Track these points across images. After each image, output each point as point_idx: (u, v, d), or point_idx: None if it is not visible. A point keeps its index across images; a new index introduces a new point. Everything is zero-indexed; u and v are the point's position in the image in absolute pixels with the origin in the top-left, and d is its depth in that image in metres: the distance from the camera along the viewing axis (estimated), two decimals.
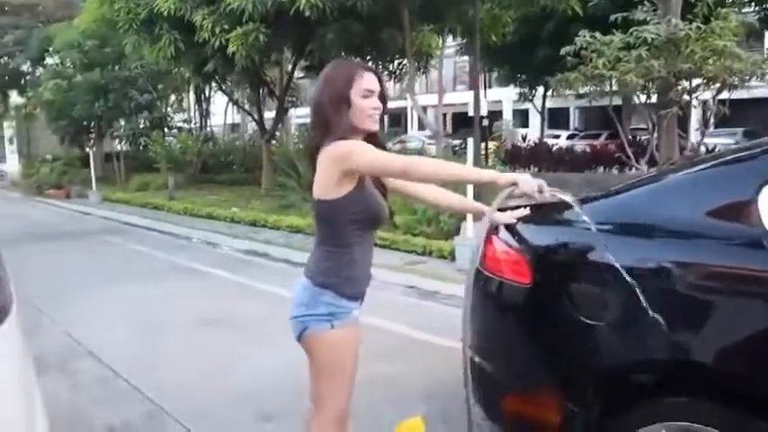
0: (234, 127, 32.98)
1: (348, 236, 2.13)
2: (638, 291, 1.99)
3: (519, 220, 2.41)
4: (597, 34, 7.68)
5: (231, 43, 10.83)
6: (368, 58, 12.84)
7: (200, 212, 12.52)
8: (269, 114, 18.56)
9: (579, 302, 2.19)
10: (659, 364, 2.02)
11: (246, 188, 16.04)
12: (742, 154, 2.31)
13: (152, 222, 12.09)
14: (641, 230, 2.16)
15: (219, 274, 7.46)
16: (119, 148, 21.30)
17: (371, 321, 4.86)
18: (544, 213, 2.47)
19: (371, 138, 2.16)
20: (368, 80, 2.12)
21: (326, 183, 2.08)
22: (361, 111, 2.10)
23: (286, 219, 10.41)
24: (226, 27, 11.03)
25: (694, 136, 19.09)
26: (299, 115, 24.91)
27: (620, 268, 2.05)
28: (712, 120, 8.33)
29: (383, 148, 2.17)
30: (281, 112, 16.51)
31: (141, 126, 19.35)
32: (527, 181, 2.00)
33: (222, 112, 26.25)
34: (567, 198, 2.11)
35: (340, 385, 2.19)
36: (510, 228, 2.45)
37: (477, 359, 2.50)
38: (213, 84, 18.46)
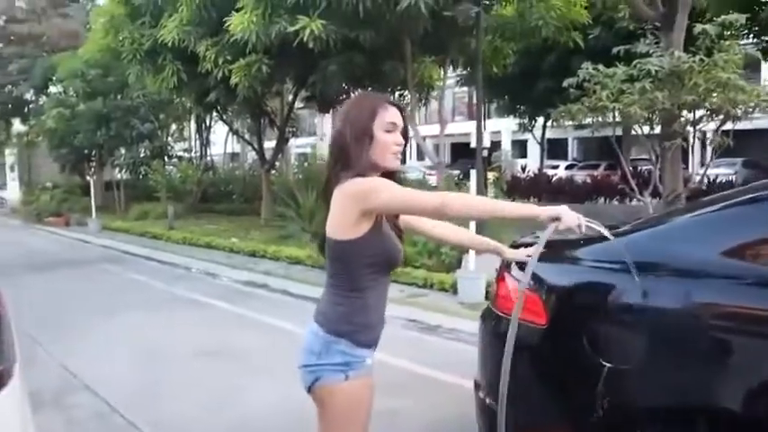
0: (234, 156, 33.05)
1: (362, 279, 1.97)
2: (650, 333, 1.92)
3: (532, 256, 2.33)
4: (600, 66, 7.69)
5: (234, 74, 10.87)
6: (369, 89, 12.88)
7: (199, 242, 12.43)
8: (269, 144, 18.58)
9: (598, 344, 2.10)
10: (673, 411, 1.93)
11: (246, 218, 15.98)
12: (757, 194, 2.23)
13: (151, 251, 12.00)
14: (655, 271, 2.08)
15: (219, 305, 7.35)
16: (119, 176, 21.30)
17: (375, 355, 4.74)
18: (558, 250, 2.41)
19: (391, 176, 2.01)
20: (392, 113, 1.99)
21: (343, 222, 1.93)
22: (384, 146, 1.97)
23: (285, 249, 10.33)
24: (229, 58, 11.07)
25: (695, 167, 19.17)
26: (299, 145, 24.99)
27: (637, 308, 1.98)
28: (712, 151, 8.30)
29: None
30: (282, 142, 16.53)
31: (142, 155, 19.37)
32: (569, 215, 1.83)
33: (222, 141, 26.31)
34: (606, 232, 1.97)
35: None
36: (523, 265, 2.37)
37: (489, 401, 2.41)
38: (214, 113, 18.52)
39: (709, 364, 1.91)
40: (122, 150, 19.77)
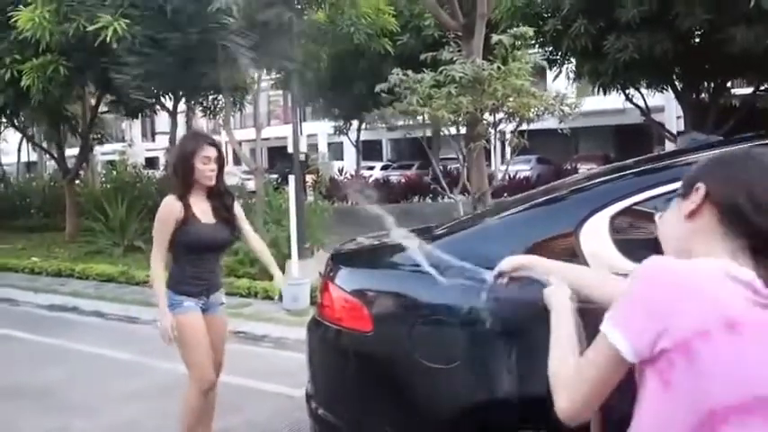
0: (30, 166, 30.02)
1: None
2: (475, 330, 2.04)
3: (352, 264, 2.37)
4: (409, 72, 8.04)
5: (25, 75, 9.85)
6: (180, 93, 12.37)
7: None
8: (72, 152, 17.13)
9: (421, 346, 2.17)
10: (499, 402, 2.06)
11: (48, 234, 14.55)
12: (558, 193, 2.45)
13: None
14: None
15: (18, 335, 6.59)
16: None
17: None
18: (378, 256, 2.47)
19: (211, 189, 3.21)
20: (207, 150, 3.11)
21: None
22: (202, 172, 3.12)
23: (95, 267, 9.58)
24: (18, 57, 10.03)
25: (497, 164, 20.74)
26: (106, 152, 23.28)
27: (454, 308, 2.09)
28: (511, 150, 9.03)
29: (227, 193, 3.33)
30: (86, 150, 15.31)
31: None
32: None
33: (15, 149, 23.82)
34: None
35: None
36: (346, 274, 2.41)
37: (321, 411, 2.42)
38: (3, 118, 16.67)
39: (517, 355, 2.06)
40: None
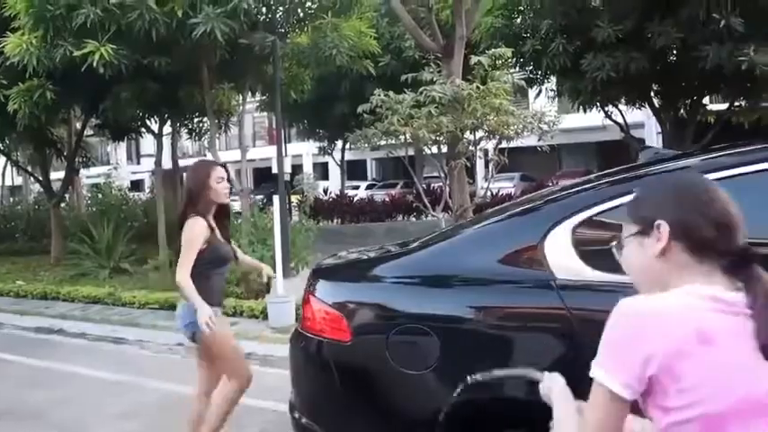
0: (15, 190, 29.87)
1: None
2: (444, 338, 2.16)
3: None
4: (391, 93, 8.22)
5: (12, 100, 9.92)
6: (166, 115, 12.47)
7: None
8: (57, 175, 17.11)
9: (397, 355, 2.27)
10: (470, 404, 2.16)
11: (33, 258, 14.48)
12: (525, 207, 2.59)
13: None
14: (445, 282, 2.35)
15: (5, 357, 6.61)
16: None
17: (186, 391, 4.65)
18: (357, 270, 2.59)
19: (222, 207, 3.58)
20: (219, 172, 3.50)
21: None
22: (217, 191, 3.48)
23: (82, 289, 9.59)
24: (5, 82, 10.11)
25: (481, 182, 20.95)
26: (91, 175, 23.24)
27: (428, 319, 2.21)
28: (493, 167, 9.20)
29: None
30: (71, 173, 15.33)
31: None
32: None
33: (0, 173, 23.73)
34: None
35: None
36: (327, 287, 2.53)
37: (304, 420, 2.52)
38: None
39: (496, 360, 2.17)
40: None
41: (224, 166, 3.60)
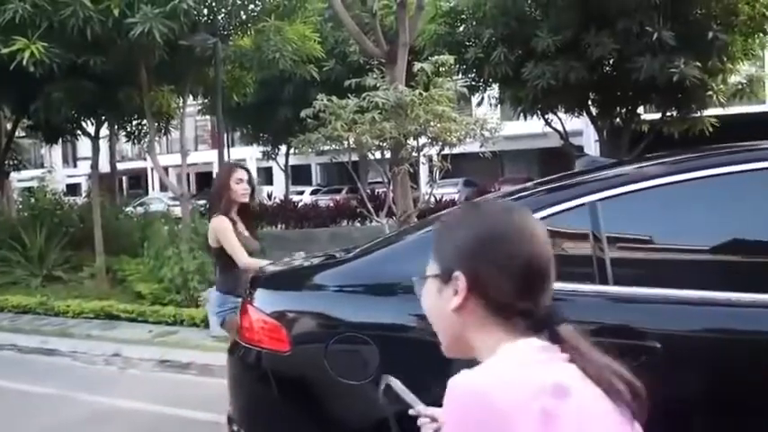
0: None
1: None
2: (385, 347, 2.14)
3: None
4: (334, 98, 8.17)
5: None
6: (103, 117, 12.10)
7: None
8: None
9: (336, 365, 2.24)
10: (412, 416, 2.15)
11: None
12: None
13: None
14: (387, 290, 2.33)
15: None
16: None
17: (122, 404, 4.51)
18: (296, 278, 2.55)
19: (245, 206, 3.91)
20: (239, 173, 3.86)
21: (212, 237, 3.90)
22: (236, 191, 3.81)
23: (11, 298, 9.20)
24: None
25: (424, 188, 21.12)
26: (23, 179, 22.34)
27: (368, 327, 2.19)
28: (438, 173, 9.27)
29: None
30: (1, 177, 14.73)
31: None
32: None
33: None
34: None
35: None
36: (265, 296, 2.48)
37: None
38: None
39: (438, 369, 2.16)
40: None
41: (245, 168, 3.94)
